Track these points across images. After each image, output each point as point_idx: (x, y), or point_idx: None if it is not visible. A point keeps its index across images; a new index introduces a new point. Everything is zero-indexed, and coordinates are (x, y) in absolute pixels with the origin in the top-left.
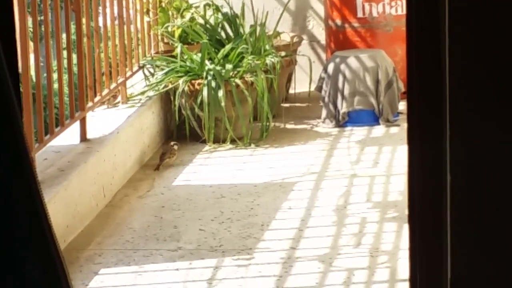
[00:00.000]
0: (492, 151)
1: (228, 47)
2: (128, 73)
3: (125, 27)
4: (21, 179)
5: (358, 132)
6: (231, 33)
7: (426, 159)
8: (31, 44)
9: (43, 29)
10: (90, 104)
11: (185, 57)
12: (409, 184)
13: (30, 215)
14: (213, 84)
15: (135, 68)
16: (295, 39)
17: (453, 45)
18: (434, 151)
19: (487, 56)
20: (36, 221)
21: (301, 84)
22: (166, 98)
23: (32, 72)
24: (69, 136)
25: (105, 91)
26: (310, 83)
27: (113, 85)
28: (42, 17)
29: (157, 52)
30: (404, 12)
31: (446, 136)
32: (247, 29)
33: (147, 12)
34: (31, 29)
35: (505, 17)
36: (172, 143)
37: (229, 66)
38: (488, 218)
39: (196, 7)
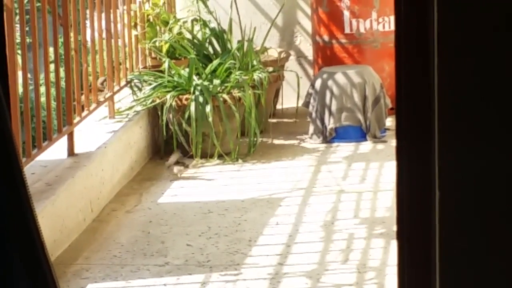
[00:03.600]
0: (481, 167)
1: (215, 62)
2: (116, 88)
3: (112, 41)
4: (14, 193)
5: (346, 148)
6: (218, 49)
7: (414, 174)
8: (18, 57)
9: (30, 40)
10: (77, 118)
11: (173, 72)
12: (398, 200)
13: (22, 231)
14: (201, 99)
15: (123, 82)
16: (282, 55)
17: (442, 61)
18: (423, 167)
19: (477, 71)
20: (29, 236)
21: (288, 100)
22: (154, 113)
23: (20, 85)
24: (56, 150)
25: (93, 106)
26: (297, 99)
27: (101, 100)
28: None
29: (144, 67)
30: (391, 28)
31: (435, 152)
32: (235, 45)
33: (135, 26)
34: (18, 41)
35: (495, 31)
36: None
37: (216, 82)
38: (477, 233)
39: (184, 22)
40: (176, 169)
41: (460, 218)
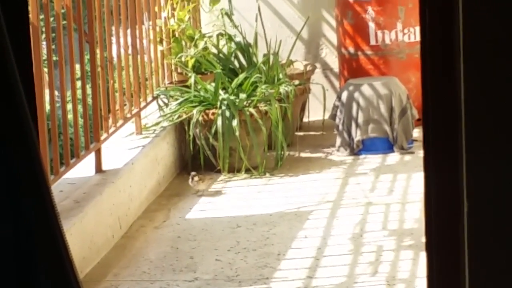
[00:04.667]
0: (510, 178)
1: (241, 76)
2: (142, 104)
3: (138, 57)
4: (42, 212)
5: (373, 160)
6: (244, 62)
7: (442, 186)
8: (45, 74)
9: (56, 58)
10: (104, 135)
11: (199, 87)
12: (426, 212)
13: (51, 248)
14: (227, 113)
15: (149, 98)
16: (308, 68)
17: (468, 71)
18: (451, 178)
19: (503, 82)
20: (57, 254)
21: (315, 113)
22: (181, 128)
23: (47, 103)
24: (84, 167)
25: (120, 122)
26: (324, 112)
27: (127, 116)
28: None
29: (171, 82)
30: (417, 39)
31: (463, 163)
32: (260, 58)
33: (161, 41)
34: (44, 58)
35: None
36: (192, 174)
37: (243, 96)
38: (506, 245)
39: (209, 37)
40: (192, 183)
41: (489, 229)
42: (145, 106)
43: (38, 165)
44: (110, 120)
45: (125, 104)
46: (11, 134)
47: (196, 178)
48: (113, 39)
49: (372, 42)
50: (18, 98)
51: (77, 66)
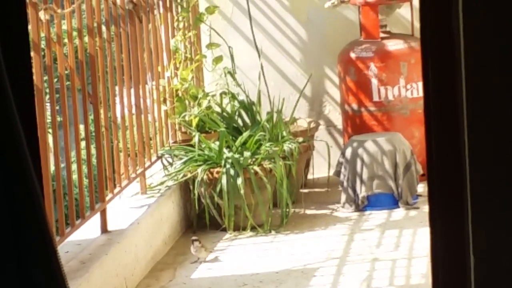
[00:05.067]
0: None
1: (245, 134)
2: (147, 163)
3: (142, 117)
4: (50, 274)
5: (378, 215)
6: (248, 121)
7: (448, 241)
8: (49, 135)
9: (61, 119)
10: (110, 195)
11: (203, 145)
12: (433, 267)
13: None
14: (232, 172)
15: (154, 158)
16: (312, 125)
17: (472, 127)
18: (457, 233)
19: (508, 134)
20: None
21: (319, 169)
22: (185, 187)
23: (52, 163)
24: (89, 227)
25: (125, 182)
26: (328, 168)
27: (132, 176)
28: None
29: (175, 142)
30: (420, 94)
31: (468, 217)
32: (264, 116)
33: (164, 101)
34: (48, 120)
35: None
36: (194, 241)
37: (247, 154)
38: None
39: (213, 96)
40: (194, 248)
41: (496, 284)
42: (149, 166)
43: (44, 227)
44: (115, 180)
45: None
46: (18, 197)
47: (196, 244)
48: (117, 99)
49: (375, 98)
50: (24, 161)
51: (81, 127)
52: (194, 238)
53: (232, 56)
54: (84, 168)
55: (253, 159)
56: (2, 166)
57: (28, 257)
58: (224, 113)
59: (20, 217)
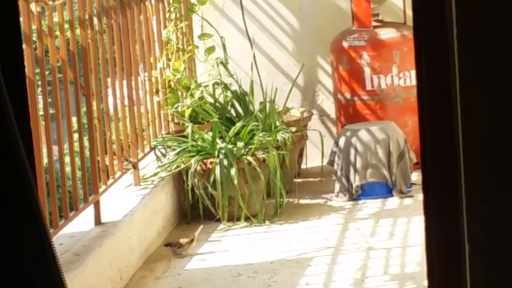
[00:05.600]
0: (509, 221)
1: (238, 124)
2: (140, 155)
3: (135, 108)
4: (45, 269)
5: (372, 204)
6: (241, 111)
7: (443, 229)
8: (42, 128)
9: (53, 111)
10: (103, 187)
11: (196, 136)
12: (427, 255)
13: None
14: (225, 162)
15: (147, 149)
16: (305, 114)
17: (466, 114)
18: (451, 221)
19: (501, 124)
20: None
21: (313, 159)
22: (179, 178)
23: (44, 156)
24: (83, 220)
25: (118, 174)
26: (322, 158)
27: (125, 167)
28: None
29: (168, 133)
30: (413, 83)
31: (463, 205)
32: (257, 106)
33: (157, 92)
34: (41, 112)
35: None
36: (169, 247)
37: (240, 144)
38: (508, 286)
39: (205, 86)
40: (172, 250)
41: (491, 272)
42: (142, 157)
43: (39, 219)
44: (108, 172)
45: (125, 160)
46: (11, 189)
47: (176, 249)
48: (109, 91)
49: (368, 87)
50: (18, 153)
51: (74, 119)
52: (166, 243)
53: (224, 46)
54: (77, 160)
55: (247, 149)
56: None
57: (24, 250)
58: (217, 104)
59: (14, 209)
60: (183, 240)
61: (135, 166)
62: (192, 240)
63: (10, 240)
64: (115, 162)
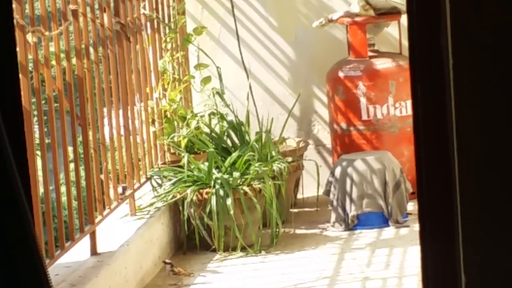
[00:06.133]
0: (506, 252)
1: (234, 155)
2: (136, 185)
3: (131, 138)
4: None
5: (368, 234)
6: (237, 141)
7: (439, 259)
8: (38, 158)
9: (49, 141)
10: (99, 217)
11: (192, 166)
12: (424, 286)
13: None
14: (221, 192)
15: (143, 179)
16: (301, 144)
17: (462, 145)
18: (447, 251)
19: (497, 154)
20: None
21: (309, 189)
22: (175, 208)
23: (40, 186)
24: (79, 250)
25: (114, 204)
26: (318, 188)
27: (121, 197)
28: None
29: (164, 163)
30: (409, 113)
31: (459, 236)
32: (253, 136)
33: (153, 122)
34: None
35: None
36: (167, 265)
37: (236, 174)
38: None
39: (201, 116)
40: (167, 267)
41: None
42: (138, 187)
43: (35, 251)
44: (104, 202)
45: (121, 198)
46: (7, 220)
47: (168, 268)
48: (106, 120)
49: (364, 117)
50: (14, 183)
51: (70, 149)
52: (167, 261)
53: (220, 76)
54: (73, 190)
55: (243, 179)
56: None
57: (19, 281)
58: (213, 134)
59: (10, 241)
60: (180, 270)
61: (124, 190)
62: (189, 274)
63: (5, 271)
64: (111, 191)
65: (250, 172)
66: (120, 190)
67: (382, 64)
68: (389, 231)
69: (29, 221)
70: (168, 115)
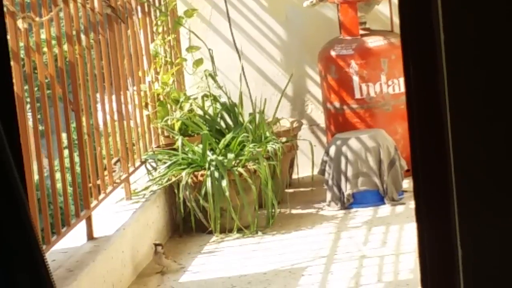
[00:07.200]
0: (501, 226)
1: (228, 136)
2: (131, 169)
3: (125, 122)
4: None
5: (364, 213)
6: (230, 122)
7: (435, 235)
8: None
9: (43, 127)
10: (94, 202)
11: (187, 149)
12: (420, 261)
13: None
14: (216, 174)
15: (137, 163)
16: (294, 124)
17: (455, 120)
18: (443, 227)
19: (491, 129)
20: None
21: (303, 169)
22: (170, 192)
23: (35, 172)
24: (75, 235)
25: (109, 188)
26: (312, 167)
27: (116, 181)
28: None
29: (158, 146)
30: (401, 90)
31: (454, 211)
32: (246, 118)
33: (146, 106)
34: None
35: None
36: (156, 246)
37: (231, 156)
38: None
39: (194, 99)
40: (156, 255)
41: (485, 276)
42: (133, 171)
43: (32, 236)
44: (99, 187)
45: (114, 170)
46: (3, 207)
47: (159, 249)
48: (99, 106)
49: (357, 95)
50: (9, 170)
51: (64, 135)
52: (157, 242)
53: (212, 58)
54: (68, 176)
55: (237, 161)
56: None
57: (17, 267)
58: (207, 116)
59: (6, 226)
60: (169, 260)
61: (119, 160)
62: (175, 263)
63: (3, 257)
64: (106, 177)
65: (245, 154)
66: (113, 161)
67: (374, 42)
68: (385, 209)
69: (25, 206)
70: (161, 99)
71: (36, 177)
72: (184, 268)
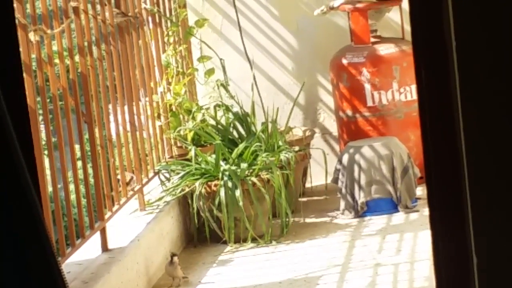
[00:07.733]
0: None
1: (241, 146)
2: (144, 180)
3: (137, 133)
4: None
5: (378, 221)
6: (243, 132)
7: (450, 242)
8: (45, 156)
9: (56, 139)
10: (109, 213)
11: (200, 159)
12: (435, 269)
13: None
14: (230, 184)
15: (151, 174)
16: (307, 133)
17: (468, 127)
18: (458, 234)
19: (504, 135)
20: None
21: (317, 177)
22: (184, 202)
23: (49, 184)
24: (90, 247)
25: (123, 200)
26: (326, 176)
27: (130, 193)
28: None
29: (171, 157)
30: (414, 97)
31: (469, 218)
32: (259, 127)
33: (158, 116)
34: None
35: None
36: (173, 256)
37: (244, 165)
38: None
39: (207, 109)
40: (171, 265)
41: (500, 284)
42: (147, 182)
43: (48, 249)
44: (113, 198)
45: (128, 183)
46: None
47: (175, 259)
48: (111, 117)
49: (369, 103)
50: (24, 183)
51: (77, 147)
52: (173, 253)
53: (224, 68)
54: (82, 188)
55: (250, 170)
56: (2, 190)
57: (34, 280)
58: (219, 126)
59: (22, 240)
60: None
61: (131, 180)
62: (184, 278)
63: (18, 270)
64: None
65: (258, 163)
66: (128, 177)
67: (385, 49)
68: (399, 217)
69: (41, 218)
70: (174, 109)
71: (50, 189)
72: (188, 280)
